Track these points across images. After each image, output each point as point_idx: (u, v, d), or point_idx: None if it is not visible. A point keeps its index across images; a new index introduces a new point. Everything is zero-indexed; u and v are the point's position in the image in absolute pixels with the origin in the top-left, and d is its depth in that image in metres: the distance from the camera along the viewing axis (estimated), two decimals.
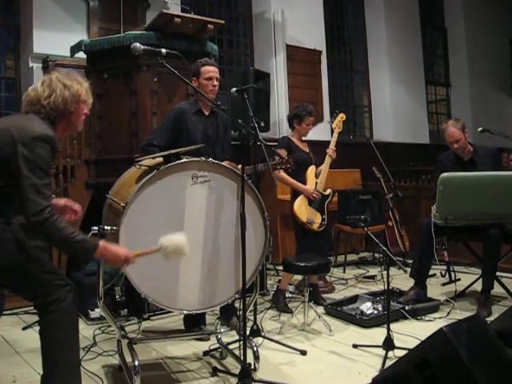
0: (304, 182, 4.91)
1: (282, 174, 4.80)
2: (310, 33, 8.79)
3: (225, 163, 3.29)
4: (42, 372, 2.60)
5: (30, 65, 6.44)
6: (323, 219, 4.88)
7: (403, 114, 10.14)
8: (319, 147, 5.24)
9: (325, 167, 4.94)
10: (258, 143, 3.57)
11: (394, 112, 10.07)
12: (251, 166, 3.91)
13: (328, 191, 4.99)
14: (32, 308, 4.69)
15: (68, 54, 5.53)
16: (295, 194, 4.93)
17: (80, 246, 2.52)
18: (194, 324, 4.10)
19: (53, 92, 2.59)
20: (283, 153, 4.70)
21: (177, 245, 2.74)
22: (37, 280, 2.56)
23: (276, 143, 5.15)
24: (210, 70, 3.99)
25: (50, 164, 2.54)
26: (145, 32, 4.95)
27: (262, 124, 6.30)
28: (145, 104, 5.01)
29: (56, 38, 6.24)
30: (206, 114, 4.10)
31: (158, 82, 5.00)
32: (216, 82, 4.00)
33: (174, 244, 2.74)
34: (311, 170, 4.95)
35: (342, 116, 5.14)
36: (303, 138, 5.16)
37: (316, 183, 4.91)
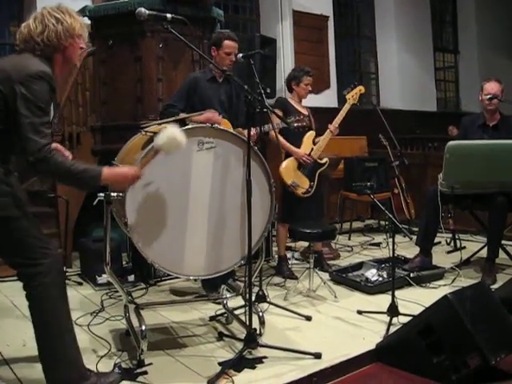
0: (299, 147, 4.81)
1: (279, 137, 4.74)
2: None
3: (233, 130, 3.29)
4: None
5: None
6: (311, 186, 4.78)
7: (410, 81, 10.04)
8: (324, 114, 5.21)
9: (324, 137, 4.84)
10: (265, 109, 3.56)
11: (402, 79, 9.97)
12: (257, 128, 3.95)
13: (324, 160, 4.90)
14: None
15: None
16: (288, 156, 4.85)
17: (84, 175, 2.48)
18: (213, 287, 4.11)
19: (45, 28, 2.52)
20: (275, 119, 4.64)
21: (169, 139, 2.72)
22: (25, 242, 2.50)
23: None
24: (231, 46, 4.08)
25: (49, 102, 2.48)
26: None
27: (268, 90, 6.26)
28: (150, 70, 4.99)
29: (60, 3, 6.17)
30: (220, 81, 4.17)
31: (163, 48, 4.96)
32: (234, 58, 4.07)
33: (168, 139, 2.72)
34: (309, 134, 4.85)
35: (360, 89, 4.99)
36: (310, 102, 5.08)
37: (312, 149, 4.81)
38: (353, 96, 4.95)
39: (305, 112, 4.95)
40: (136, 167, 2.74)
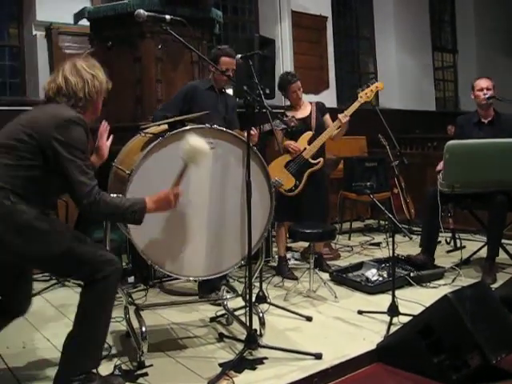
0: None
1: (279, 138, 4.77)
2: None
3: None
4: (50, 337, 2.63)
5: (34, 33, 6.39)
6: (295, 185, 4.74)
7: (409, 80, 10.04)
8: None
9: (324, 133, 4.75)
10: (264, 110, 3.56)
11: (400, 79, 9.98)
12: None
13: (317, 160, 4.80)
14: (40, 276, 4.75)
15: (71, 22, 5.49)
16: None
17: (132, 210, 2.58)
18: (208, 289, 4.12)
19: (85, 83, 2.64)
20: (279, 134, 4.72)
21: (193, 148, 2.73)
22: (82, 260, 2.55)
23: (281, 110, 5.08)
24: (228, 62, 4.14)
25: (87, 145, 2.56)
26: None
27: (268, 91, 6.25)
28: (149, 71, 4.98)
29: (59, 5, 6.17)
30: (217, 91, 4.22)
31: (162, 50, 4.96)
32: (230, 73, 4.12)
33: (191, 150, 2.73)
34: (306, 134, 4.79)
35: (377, 85, 4.91)
36: (311, 99, 5.06)
37: (305, 149, 4.76)
38: (366, 94, 4.84)
39: (304, 113, 4.91)
40: (172, 187, 2.76)
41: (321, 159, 4.83)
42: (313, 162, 4.80)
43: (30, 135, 2.47)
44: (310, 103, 5.02)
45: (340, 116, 4.74)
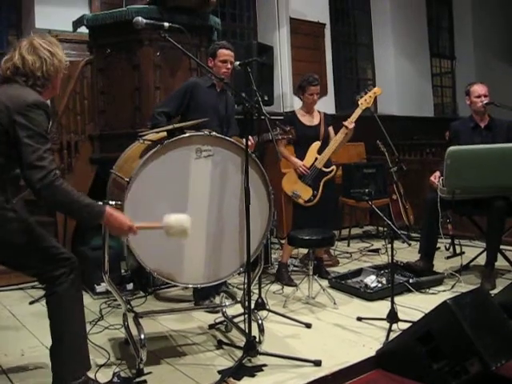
0: (303, 158, 4.86)
1: (282, 148, 4.80)
2: (314, 5, 8.68)
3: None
4: (49, 345, 2.64)
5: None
6: (313, 195, 4.80)
7: (408, 87, 10.05)
8: None
9: (333, 142, 4.85)
10: (262, 117, 3.57)
11: (399, 85, 9.99)
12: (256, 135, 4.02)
13: (330, 168, 4.90)
14: (38, 283, 4.74)
15: (70, 29, 5.49)
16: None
17: (87, 210, 2.52)
18: (203, 297, 4.13)
19: (43, 61, 2.57)
20: (280, 142, 4.68)
21: (182, 227, 2.72)
22: (42, 256, 2.57)
23: (279, 117, 5.11)
24: (226, 54, 4.15)
25: (48, 129, 2.52)
26: (147, 6, 4.92)
27: (266, 98, 6.28)
28: (148, 78, 4.99)
29: (58, 12, 6.18)
30: (218, 90, 4.23)
31: (160, 57, 4.97)
32: (230, 66, 4.16)
33: (180, 225, 2.72)
34: (315, 145, 4.87)
35: (375, 91, 4.99)
36: (318, 109, 5.10)
37: (316, 158, 4.83)
38: (366, 100, 4.92)
39: (311, 121, 4.99)
40: (135, 224, 2.70)
41: (333, 167, 4.94)
42: (326, 170, 4.89)
43: None
44: (319, 112, 5.09)
45: (346, 123, 4.82)
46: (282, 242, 5.10)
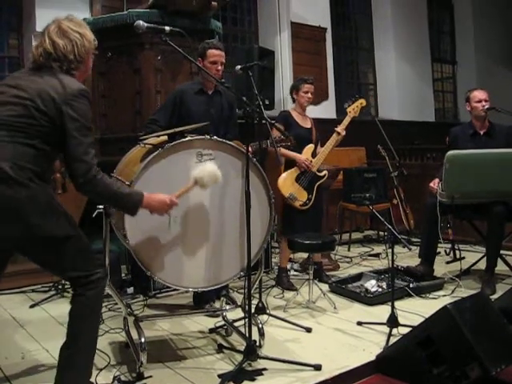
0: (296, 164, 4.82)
1: (282, 150, 4.69)
2: (315, 10, 8.69)
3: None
4: (49, 348, 2.63)
5: (34, 44, 6.39)
6: (309, 199, 4.77)
7: (409, 91, 10.06)
8: (323, 125, 5.21)
9: (326, 146, 4.85)
10: (263, 121, 3.57)
11: (400, 90, 9.99)
12: (256, 142, 3.99)
13: (323, 173, 4.88)
14: (39, 286, 4.77)
15: None
16: (288, 168, 4.84)
17: (128, 199, 2.59)
18: (203, 301, 4.13)
19: (74, 45, 2.56)
20: (276, 133, 4.55)
21: (210, 172, 2.85)
22: (84, 256, 2.54)
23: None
24: (216, 54, 3.99)
25: (91, 119, 2.52)
26: (148, 10, 4.94)
27: (267, 102, 6.28)
28: (149, 82, 5.00)
29: (59, 16, 6.19)
30: (209, 93, 4.10)
31: (161, 60, 4.98)
32: (220, 67, 4.02)
33: (208, 172, 2.85)
34: (308, 148, 4.84)
35: (361, 102, 5.01)
36: (309, 114, 5.10)
37: (311, 161, 4.80)
38: (354, 109, 4.96)
39: (307, 125, 4.98)
40: (173, 195, 2.79)
41: (325, 171, 4.90)
42: (320, 174, 4.87)
43: (40, 111, 2.40)
44: (308, 116, 5.09)
45: (339, 129, 4.86)
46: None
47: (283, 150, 4.62)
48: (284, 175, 4.77)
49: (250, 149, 3.60)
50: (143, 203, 2.64)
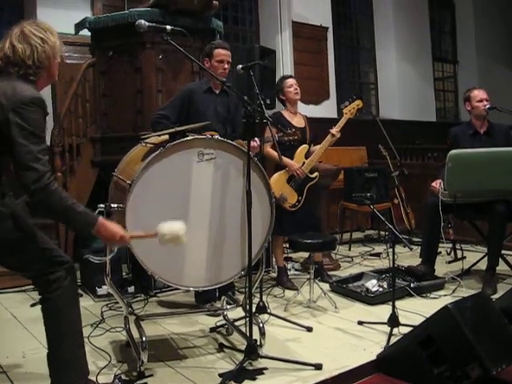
0: (291, 160, 4.79)
1: (268, 149, 4.69)
2: (316, 9, 8.69)
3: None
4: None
5: None
6: (298, 200, 4.75)
7: (410, 91, 10.06)
8: (323, 124, 5.19)
9: (320, 148, 4.80)
10: (264, 120, 3.57)
11: (401, 89, 10.00)
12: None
13: (315, 174, 4.84)
14: None
15: (72, 32, 5.51)
16: (277, 169, 4.82)
17: (80, 218, 2.43)
18: (205, 300, 4.13)
19: (34, 49, 2.47)
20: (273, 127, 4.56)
21: (175, 234, 2.64)
22: (36, 257, 2.52)
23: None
24: (222, 53, 4.07)
25: (44, 128, 2.43)
26: (149, 9, 4.93)
27: (268, 101, 6.26)
28: (150, 81, 5.00)
29: (60, 15, 6.19)
30: (217, 92, 4.15)
31: (162, 60, 4.98)
32: (227, 66, 4.09)
33: (173, 233, 2.64)
34: (302, 148, 4.81)
35: (358, 103, 4.94)
36: (302, 112, 5.09)
37: (304, 163, 4.77)
38: (350, 110, 4.90)
39: (300, 123, 4.96)
40: (128, 233, 2.67)
41: (317, 173, 4.87)
42: (311, 176, 4.83)
43: None
44: (301, 115, 5.08)
45: (333, 131, 4.80)
46: (285, 245, 5.03)
47: (277, 157, 4.42)
48: (276, 176, 4.75)
49: (256, 142, 3.60)
50: (96, 227, 2.47)
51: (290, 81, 4.94)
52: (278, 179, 4.74)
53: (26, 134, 2.32)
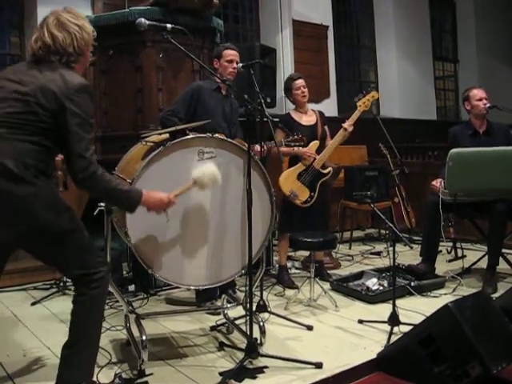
0: (300, 159, 4.80)
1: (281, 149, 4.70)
2: (317, 7, 8.69)
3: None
4: (51, 345, 2.63)
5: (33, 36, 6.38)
6: (311, 196, 4.74)
7: (410, 90, 10.06)
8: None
9: (332, 143, 4.81)
10: (265, 119, 3.57)
11: (401, 88, 10.00)
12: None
13: (327, 170, 4.84)
14: (41, 284, 4.77)
15: None
16: (291, 165, 4.85)
17: (126, 196, 2.58)
18: (206, 298, 4.14)
19: (73, 37, 2.51)
20: (280, 134, 4.58)
21: (210, 173, 2.87)
22: (88, 253, 2.54)
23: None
24: (231, 54, 4.20)
25: (93, 115, 2.52)
26: (150, 7, 4.91)
27: (269, 100, 6.27)
28: (150, 80, 4.99)
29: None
30: (224, 93, 4.23)
31: (163, 58, 4.97)
32: (236, 65, 4.16)
33: (208, 173, 2.87)
34: (313, 144, 4.80)
35: (373, 95, 4.94)
36: (312, 107, 5.09)
37: (314, 159, 4.78)
38: (364, 103, 4.89)
39: (310, 121, 4.95)
40: (171, 194, 2.79)
41: (330, 168, 4.87)
42: (323, 171, 4.83)
43: (42, 106, 2.38)
44: (314, 111, 5.04)
45: (345, 125, 4.80)
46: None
47: (284, 149, 4.51)
48: (286, 172, 4.77)
49: (264, 147, 3.64)
50: (142, 200, 2.63)
51: (298, 83, 4.92)
52: (287, 176, 4.76)
53: (80, 121, 2.41)
